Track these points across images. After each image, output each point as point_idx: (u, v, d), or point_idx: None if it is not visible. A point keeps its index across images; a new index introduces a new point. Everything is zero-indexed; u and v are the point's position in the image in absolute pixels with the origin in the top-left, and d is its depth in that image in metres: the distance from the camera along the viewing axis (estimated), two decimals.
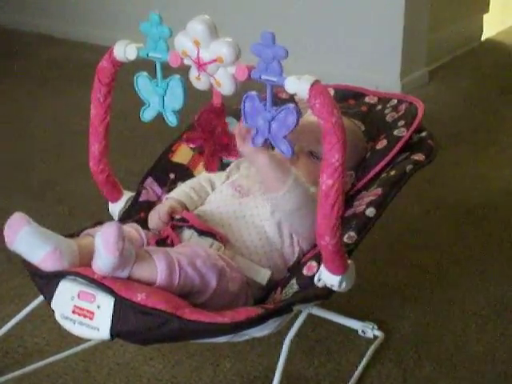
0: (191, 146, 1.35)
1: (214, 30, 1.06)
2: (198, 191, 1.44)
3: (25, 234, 1.12)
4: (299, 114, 1.03)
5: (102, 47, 1.38)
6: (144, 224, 1.35)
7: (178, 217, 1.33)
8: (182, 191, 1.44)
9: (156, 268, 1.12)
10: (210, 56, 1.06)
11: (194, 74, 1.11)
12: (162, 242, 1.28)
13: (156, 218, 1.35)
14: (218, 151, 1.24)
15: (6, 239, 1.13)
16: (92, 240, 1.18)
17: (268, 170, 1.23)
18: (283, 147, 1.05)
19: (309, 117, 1.41)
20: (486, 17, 3.87)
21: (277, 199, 1.26)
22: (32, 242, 1.12)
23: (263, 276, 1.29)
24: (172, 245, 1.27)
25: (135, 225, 1.32)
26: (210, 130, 1.22)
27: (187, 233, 1.30)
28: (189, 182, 1.48)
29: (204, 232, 1.29)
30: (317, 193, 1.29)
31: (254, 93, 1.08)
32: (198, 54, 1.08)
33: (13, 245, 1.13)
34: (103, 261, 1.09)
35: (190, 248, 1.20)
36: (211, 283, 1.16)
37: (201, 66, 1.08)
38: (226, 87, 1.09)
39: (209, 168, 1.26)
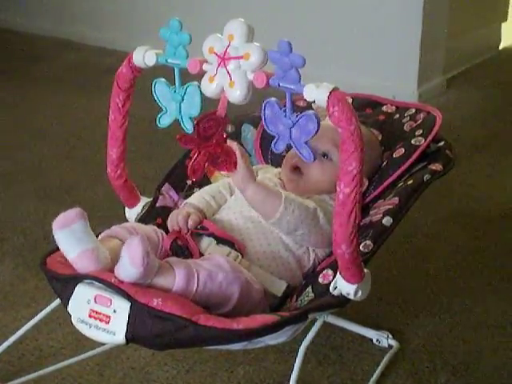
0: (182, 146, 1.31)
1: (252, 34, 1.07)
2: (217, 200, 1.44)
3: (77, 226, 1.13)
4: (319, 120, 1.03)
5: (121, 53, 1.38)
6: (160, 229, 1.35)
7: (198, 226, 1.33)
8: (202, 199, 1.43)
9: (174, 278, 1.12)
10: (238, 53, 1.06)
11: (209, 73, 1.10)
12: (176, 246, 1.28)
13: (174, 223, 1.36)
14: (206, 161, 1.21)
15: (55, 225, 1.14)
16: (118, 243, 1.19)
17: (258, 200, 1.26)
18: (305, 152, 1.05)
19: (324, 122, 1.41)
20: (504, 25, 3.85)
21: (274, 224, 1.28)
22: (77, 237, 1.13)
23: (279, 287, 1.29)
24: (189, 251, 1.27)
25: (154, 226, 1.33)
26: (206, 137, 1.19)
27: (206, 241, 1.30)
28: (208, 189, 1.47)
29: (223, 240, 1.29)
30: (320, 203, 1.30)
31: (273, 99, 1.07)
32: (227, 47, 1.08)
33: (60, 232, 1.13)
34: (127, 272, 1.09)
35: (213, 261, 1.19)
36: (233, 297, 1.15)
37: (224, 59, 1.08)
38: (237, 91, 1.08)
39: (192, 175, 1.22)
